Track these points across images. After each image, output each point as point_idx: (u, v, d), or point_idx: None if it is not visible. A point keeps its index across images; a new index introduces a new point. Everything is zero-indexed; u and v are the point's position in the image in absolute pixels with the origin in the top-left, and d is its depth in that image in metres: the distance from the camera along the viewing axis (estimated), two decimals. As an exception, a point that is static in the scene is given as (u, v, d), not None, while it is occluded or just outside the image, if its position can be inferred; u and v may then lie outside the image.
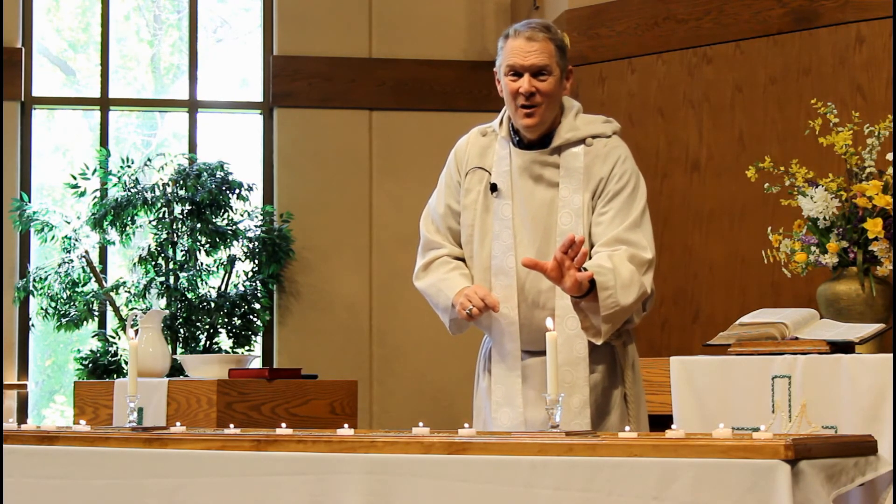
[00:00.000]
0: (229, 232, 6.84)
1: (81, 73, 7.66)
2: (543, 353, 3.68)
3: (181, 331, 6.72)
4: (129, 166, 6.89)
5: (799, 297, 5.47)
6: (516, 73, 3.68)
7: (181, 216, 6.81)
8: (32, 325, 7.05)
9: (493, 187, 3.75)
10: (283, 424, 3.39)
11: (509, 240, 3.71)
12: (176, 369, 5.86)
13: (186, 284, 6.75)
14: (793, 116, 5.81)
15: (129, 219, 6.78)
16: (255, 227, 7.01)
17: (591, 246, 3.70)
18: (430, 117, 7.26)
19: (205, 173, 6.82)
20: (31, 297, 6.92)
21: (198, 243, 6.79)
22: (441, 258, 3.84)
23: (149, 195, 6.76)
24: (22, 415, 6.93)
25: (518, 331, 3.70)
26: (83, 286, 6.80)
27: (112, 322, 6.98)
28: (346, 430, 3.22)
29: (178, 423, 3.67)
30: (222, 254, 6.90)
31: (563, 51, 3.73)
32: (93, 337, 6.91)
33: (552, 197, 3.71)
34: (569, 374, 3.66)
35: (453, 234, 3.86)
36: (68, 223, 6.89)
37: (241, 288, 6.93)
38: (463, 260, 3.85)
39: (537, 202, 3.72)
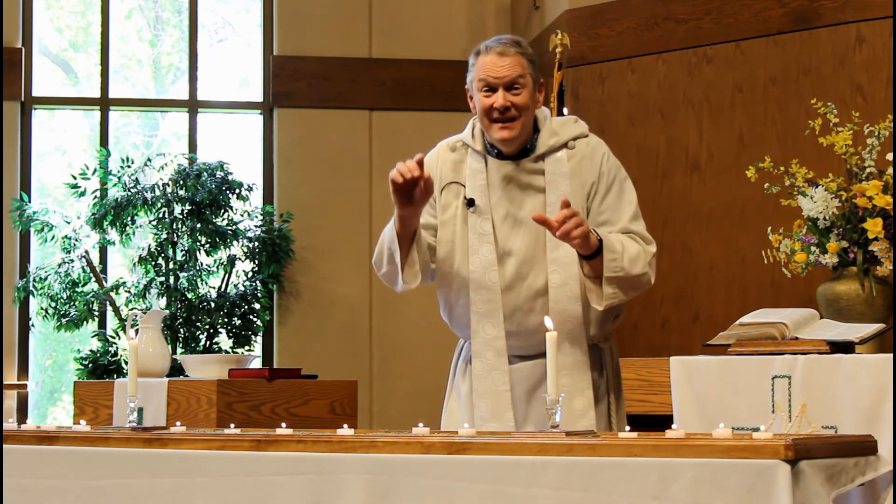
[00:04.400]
0: (229, 232, 6.84)
1: (81, 73, 7.66)
2: (532, 357, 3.70)
3: (181, 331, 6.72)
4: (129, 166, 6.89)
5: (799, 297, 5.47)
6: (490, 88, 3.67)
7: (181, 216, 6.81)
8: (32, 325, 7.06)
9: (471, 202, 3.74)
10: (283, 424, 3.39)
11: (490, 254, 3.69)
12: (176, 369, 5.86)
13: (186, 284, 6.75)
14: (793, 116, 5.81)
15: (129, 219, 6.78)
16: (255, 227, 7.01)
17: None
18: (430, 117, 7.26)
19: (205, 173, 6.82)
20: (31, 297, 6.92)
21: (198, 243, 6.80)
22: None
23: (149, 195, 6.76)
24: (22, 415, 6.93)
25: (504, 345, 3.68)
26: (83, 286, 6.80)
27: (112, 322, 6.98)
28: (346, 430, 3.22)
29: (178, 423, 3.67)
30: (222, 254, 6.90)
31: (534, 63, 3.73)
32: (93, 337, 6.91)
33: (542, 203, 3.71)
34: (568, 377, 3.67)
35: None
36: (68, 223, 6.89)
37: (241, 288, 6.93)
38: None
39: (527, 210, 3.70)
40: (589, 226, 3.58)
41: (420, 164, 3.56)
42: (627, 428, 3.08)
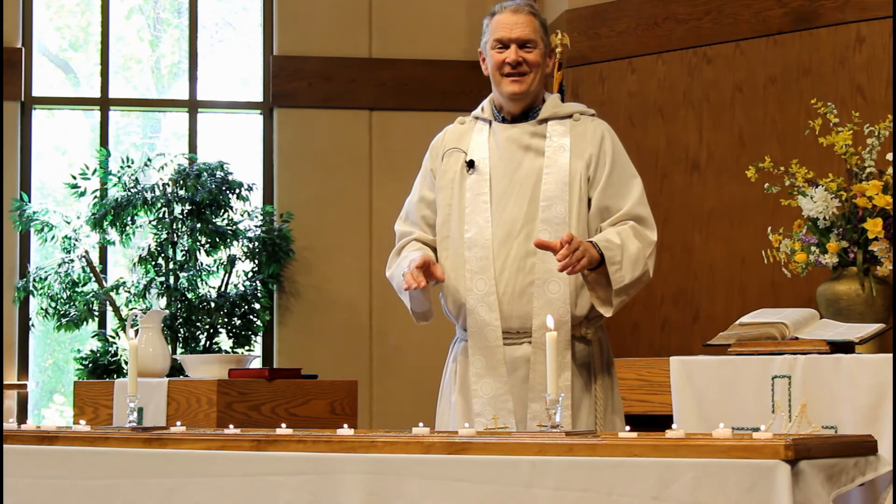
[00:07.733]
0: (229, 232, 6.84)
1: (81, 73, 7.66)
2: (523, 334, 3.72)
3: (181, 331, 6.72)
4: (129, 166, 6.89)
5: (799, 297, 5.47)
6: (503, 45, 3.80)
7: (181, 216, 6.81)
8: (32, 325, 7.05)
9: (470, 164, 3.81)
10: (283, 424, 3.39)
11: (486, 213, 3.76)
12: (176, 369, 5.86)
13: (186, 284, 6.75)
14: (793, 116, 5.81)
15: (129, 219, 6.78)
16: (255, 227, 7.01)
17: (589, 207, 3.78)
18: (430, 117, 7.24)
19: (205, 173, 6.82)
20: (31, 297, 6.92)
21: (198, 243, 6.79)
22: (410, 242, 3.91)
23: (149, 195, 6.76)
24: (22, 415, 6.93)
25: (497, 301, 3.72)
26: (83, 286, 6.80)
27: (112, 322, 6.98)
28: (346, 430, 3.22)
29: (178, 423, 3.67)
30: (222, 254, 6.90)
31: (545, 28, 3.87)
32: (93, 337, 6.91)
33: (540, 166, 3.78)
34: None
35: (426, 222, 3.91)
36: (68, 223, 6.89)
37: (241, 288, 6.93)
38: (433, 247, 3.89)
39: (525, 170, 3.78)
40: (586, 241, 3.61)
41: (421, 266, 3.66)
42: (627, 428, 3.08)
